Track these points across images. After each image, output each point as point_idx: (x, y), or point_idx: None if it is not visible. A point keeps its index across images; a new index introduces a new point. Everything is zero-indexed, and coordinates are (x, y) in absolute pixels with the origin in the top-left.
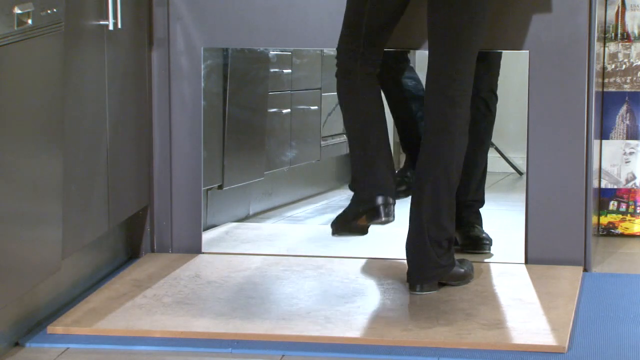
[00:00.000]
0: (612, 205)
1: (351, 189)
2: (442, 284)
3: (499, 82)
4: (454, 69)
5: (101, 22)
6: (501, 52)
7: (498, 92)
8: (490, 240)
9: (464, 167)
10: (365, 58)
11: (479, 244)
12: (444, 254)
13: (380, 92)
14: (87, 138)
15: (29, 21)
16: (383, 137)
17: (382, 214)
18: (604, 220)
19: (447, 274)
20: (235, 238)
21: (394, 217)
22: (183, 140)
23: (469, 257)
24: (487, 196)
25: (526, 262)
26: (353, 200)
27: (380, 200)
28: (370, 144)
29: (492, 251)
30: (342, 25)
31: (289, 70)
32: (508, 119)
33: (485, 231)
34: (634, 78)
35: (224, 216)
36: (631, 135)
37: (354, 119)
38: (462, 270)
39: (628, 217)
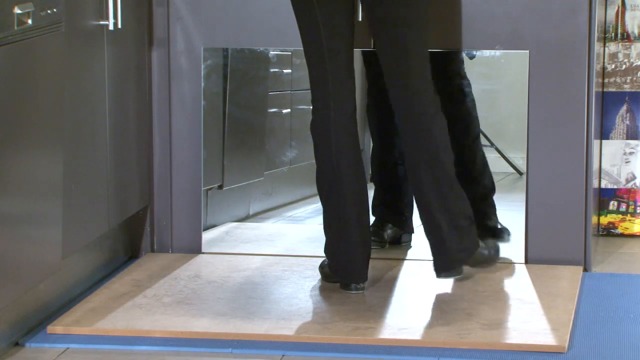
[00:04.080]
0: (612, 205)
1: (325, 254)
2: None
3: (498, 82)
4: (406, 54)
5: (101, 22)
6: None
7: (497, 92)
8: (508, 230)
9: (461, 161)
10: (337, 99)
11: (497, 235)
12: (465, 235)
13: (358, 150)
14: (87, 138)
15: (29, 21)
16: (361, 215)
17: (354, 290)
18: (604, 220)
19: (470, 257)
20: (235, 238)
21: (364, 289)
22: (183, 140)
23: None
24: None
25: (526, 262)
26: (329, 264)
27: (353, 285)
28: (346, 224)
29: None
30: (311, 87)
31: (289, 70)
32: (508, 119)
33: (500, 222)
34: (634, 78)
35: (224, 216)
36: (631, 135)
37: (329, 196)
38: (486, 252)
39: (628, 217)
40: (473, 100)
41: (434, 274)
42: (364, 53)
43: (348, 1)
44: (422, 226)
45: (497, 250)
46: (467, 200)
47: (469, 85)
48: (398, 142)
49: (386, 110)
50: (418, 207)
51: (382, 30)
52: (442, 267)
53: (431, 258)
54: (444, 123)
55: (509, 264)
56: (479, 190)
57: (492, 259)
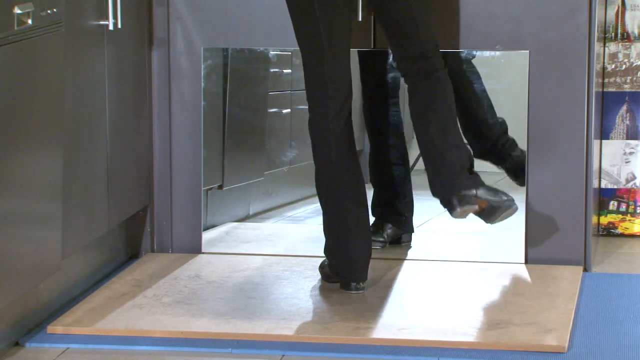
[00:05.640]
0: (612, 205)
1: (325, 255)
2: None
3: (498, 82)
4: (413, 29)
5: (101, 22)
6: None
7: (498, 92)
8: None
9: (470, 113)
10: (336, 98)
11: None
12: (465, 161)
13: (354, 150)
14: (87, 138)
15: (29, 21)
16: (360, 214)
17: (354, 289)
18: (604, 220)
19: (475, 185)
20: (235, 238)
21: (364, 289)
22: (183, 140)
23: None
24: None
25: (526, 262)
26: (329, 264)
27: (353, 284)
28: (345, 223)
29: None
30: (308, 87)
31: (289, 70)
32: (508, 119)
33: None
34: (634, 78)
35: (224, 216)
36: (631, 135)
37: (328, 195)
38: (498, 197)
39: (628, 217)
40: (482, 85)
41: (444, 209)
42: (359, 54)
43: (346, 8)
44: (422, 226)
45: (509, 199)
46: (469, 151)
47: (479, 77)
48: (394, 142)
49: (382, 111)
50: (419, 136)
51: (387, 11)
52: (444, 188)
53: (431, 259)
54: (449, 82)
55: (509, 264)
56: (495, 130)
57: (505, 204)
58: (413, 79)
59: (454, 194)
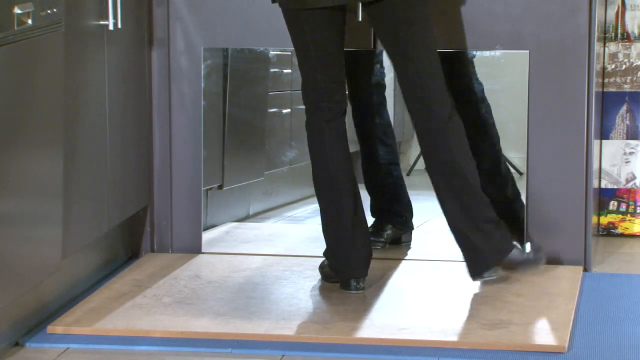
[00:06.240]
0: (612, 205)
1: (325, 257)
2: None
3: (498, 82)
4: (413, 58)
5: (101, 22)
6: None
7: (498, 92)
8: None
9: (482, 168)
10: (330, 100)
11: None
12: (492, 239)
13: (348, 150)
14: (87, 138)
15: (29, 21)
16: (357, 212)
17: (354, 289)
18: (604, 220)
19: (503, 259)
20: (235, 238)
21: (364, 289)
22: (183, 140)
23: None
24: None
25: None
26: (329, 264)
27: (353, 283)
28: (344, 221)
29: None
30: (303, 89)
31: (289, 70)
32: (508, 119)
33: (527, 246)
34: (634, 78)
35: (224, 216)
36: (631, 135)
37: (326, 195)
38: (522, 256)
39: (628, 217)
40: (488, 105)
41: (469, 278)
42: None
43: (338, 15)
44: (421, 226)
45: (538, 251)
46: (490, 205)
47: (481, 85)
48: (385, 143)
49: (370, 114)
50: (444, 214)
51: (385, 34)
52: (476, 272)
53: (431, 259)
54: (460, 127)
55: (509, 264)
56: (505, 197)
57: (531, 261)
58: (418, 125)
59: (479, 275)
